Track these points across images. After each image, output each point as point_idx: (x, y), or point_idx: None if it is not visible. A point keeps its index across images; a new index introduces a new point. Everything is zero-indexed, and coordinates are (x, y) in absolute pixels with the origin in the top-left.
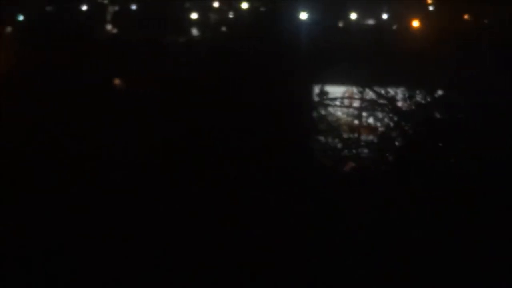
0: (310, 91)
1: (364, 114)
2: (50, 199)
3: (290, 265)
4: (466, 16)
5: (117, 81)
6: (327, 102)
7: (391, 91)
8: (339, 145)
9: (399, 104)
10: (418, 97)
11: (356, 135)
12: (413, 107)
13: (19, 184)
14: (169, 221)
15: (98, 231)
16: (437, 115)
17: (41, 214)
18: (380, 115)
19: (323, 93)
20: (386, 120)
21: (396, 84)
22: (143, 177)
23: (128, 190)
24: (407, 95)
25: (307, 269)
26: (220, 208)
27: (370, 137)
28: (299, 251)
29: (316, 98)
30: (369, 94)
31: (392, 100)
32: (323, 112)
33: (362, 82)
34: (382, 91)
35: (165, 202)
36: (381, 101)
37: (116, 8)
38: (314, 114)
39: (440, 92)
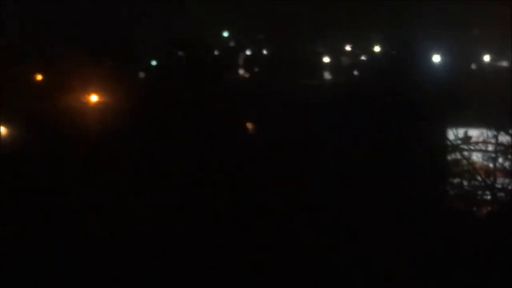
0: (444, 134)
1: (500, 157)
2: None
3: None
4: None
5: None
6: (463, 145)
7: None
8: (475, 189)
9: None
10: None
11: (492, 179)
12: None
13: None
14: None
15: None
16: None
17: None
18: None
19: (463, 137)
20: None
21: None
22: None
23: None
24: None
25: None
26: None
27: (507, 181)
28: None
29: (452, 141)
30: (505, 138)
31: None
32: (458, 155)
33: (497, 125)
34: None
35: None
36: None
37: (248, 52)
38: (450, 156)
39: None
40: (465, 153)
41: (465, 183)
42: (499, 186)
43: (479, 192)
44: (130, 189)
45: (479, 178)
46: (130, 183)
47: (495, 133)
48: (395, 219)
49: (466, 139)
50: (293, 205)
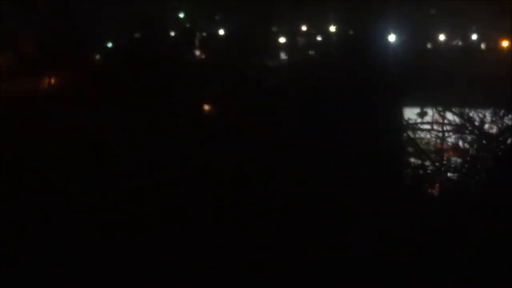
0: (398, 113)
1: (452, 136)
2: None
3: None
4: None
5: (204, 105)
6: (414, 124)
7: (478, 113)
8: (427, 167)
9: (487, 126)
10: (507, 119)
11: (443, 157)
12: (502, 129)
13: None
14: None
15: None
16: None
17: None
18: (468, 137)
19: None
20: (473, 142)
21: (484, 105)
22: None
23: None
24: (495, 117)
25: None
26: None
27: (458, 160)
28: None
29: (404, 121)
30: (456, 116)
31: (480, 122)
32: (411, 134)
33: (449, 104)
34: (470, 113)
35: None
36: (468, 123)
37: (204, 34)
38: (402, 136)
39: None
40: (421, 132)
41: (420, 162)
42: (452, 165)
43: (433, 171)
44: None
45: (433, 157)
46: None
47: (446, 111)
48: (351, 200)
49: (421, 117)
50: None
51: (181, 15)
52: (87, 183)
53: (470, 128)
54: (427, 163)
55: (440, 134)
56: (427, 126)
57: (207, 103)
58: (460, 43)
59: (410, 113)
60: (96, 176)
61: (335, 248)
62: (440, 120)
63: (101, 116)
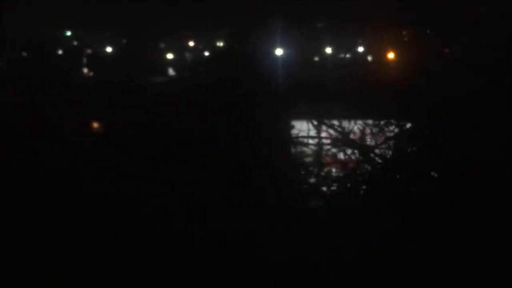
0: (283, 127)
1: (332, 149)
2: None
3: None
4: (439, 49)
5: (93, 123)
6: (298, 138)
7: (359, 125)
8: (310, 181)
9: (368, 137)
10: (387, 130)
11: (326, 170)
12: (382, 140)
13: None
14: None
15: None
16: (406, 148)
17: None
18: (348, 150)
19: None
20: (352, 154)
21: (366, 117)
22: None
23: None
24: (375, 129)
25: None
26: None
27: (339, 173)
28: None
29: (288, 135)
30: (337, 128)
31: (360, 133)
32: (293, 148)
33: (331, 116)
34: (351, 125)
35: None
36: (348, 135)
37: (89, 51)
38: (285, 149)
39: (408, 125)
40: (303, 145)
41: (301, 175)
42: (332, 177)
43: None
44: None
45: (313, 170)
46: None
47: (329, 124)
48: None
49: (305, 130)
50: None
51: (68, 33)
52: None
53: (350, 140)
54: (308, 176)
55: (323, 147)
56: (310, 140)
57: (93, 121)
58: (347, 55)
59: (295, 126)
60: None
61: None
62: (323, 133)
63: None
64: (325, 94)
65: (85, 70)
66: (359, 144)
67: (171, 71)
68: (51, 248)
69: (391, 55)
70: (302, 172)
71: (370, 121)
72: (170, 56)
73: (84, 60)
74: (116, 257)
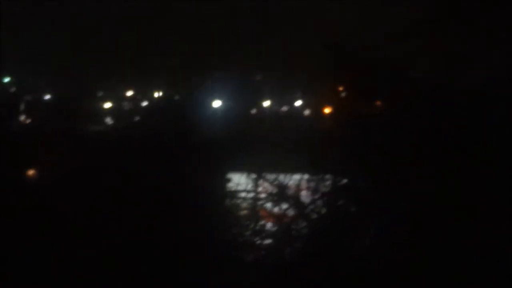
0: (219, 180)
1: (267, 203)
2: None
3: None
4: (373, 102)
5: (30, 172)
6: (234, 192)
7: (295, 180)
8: (245, 235)
9: (303, 191)
10: (323, 185)
11: (260, 224)
12: (316, 196)
13: None
14: None
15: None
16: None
17: None
18: (283, 204)
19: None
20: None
21: (302, 171)
22: None
23: None
24: (310, 183)
25: None
26: None
27: (274, 227)
28: None
29: (223, 188)
30: (272, 183)
31: (295, 188)
32: (228, 201)
33: (266, 170)
34: (286, 179)
35: None
36: (283, 190)
37: (29, 98)
38: (221, 204)
39: (344, 179)
40: (238, 199)
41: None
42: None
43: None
44: None
45: (248, 224)
46: None
47: (265, 178)
48: None
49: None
50: None
51: (7, 79)
52: None
53: (285, 195)
54: (242, 230)
55: (257, 201)
56: (245, 194)
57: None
58: (285, 108)
59: (230, 179)
60: None
61: None
62: (259, 187)
63: None
64: (263, 146)
65: (22, 117)
66: (294, 199)
67: (108, 120)
68: None
69: (327, 110)
70: (237, 225)
71: (306, 176)
72: (107, 105)
73: (22, 107)
74: None
